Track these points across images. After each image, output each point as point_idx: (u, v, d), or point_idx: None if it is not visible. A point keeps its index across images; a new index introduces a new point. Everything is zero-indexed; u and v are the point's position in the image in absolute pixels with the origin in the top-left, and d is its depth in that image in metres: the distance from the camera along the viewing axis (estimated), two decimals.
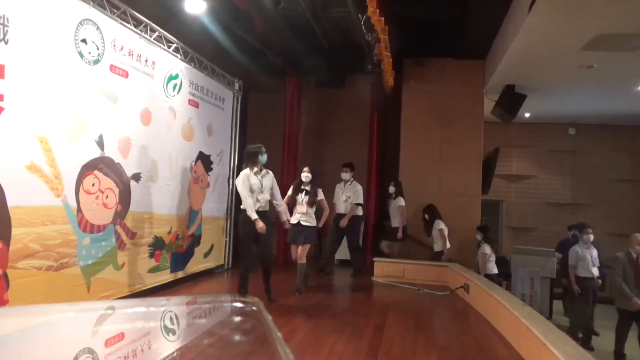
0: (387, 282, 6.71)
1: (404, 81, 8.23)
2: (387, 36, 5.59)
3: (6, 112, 3.20)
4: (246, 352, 1.47)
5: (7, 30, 3.18)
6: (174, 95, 5.53)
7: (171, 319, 1.59)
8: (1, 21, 3.13)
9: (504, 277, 8.17)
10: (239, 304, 1.63)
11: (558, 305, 7.57)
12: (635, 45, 5.43)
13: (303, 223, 5.52)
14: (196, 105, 6.04)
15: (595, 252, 6.48)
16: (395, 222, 7.24)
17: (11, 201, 3.26)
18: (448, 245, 7.09)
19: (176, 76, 5.54)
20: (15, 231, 3.30)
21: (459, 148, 8.10)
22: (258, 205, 4.91)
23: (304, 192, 5.59)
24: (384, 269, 6.95)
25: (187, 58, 5.78)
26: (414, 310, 5.30)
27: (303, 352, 3.58)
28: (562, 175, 10.74)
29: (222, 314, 1.70)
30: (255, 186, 4.91)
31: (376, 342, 3.96)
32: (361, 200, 6.95)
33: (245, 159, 5.10)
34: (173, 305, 1.76)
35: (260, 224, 4.81)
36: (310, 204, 5.56)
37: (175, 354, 1.71)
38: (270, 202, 5.16)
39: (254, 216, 4.83)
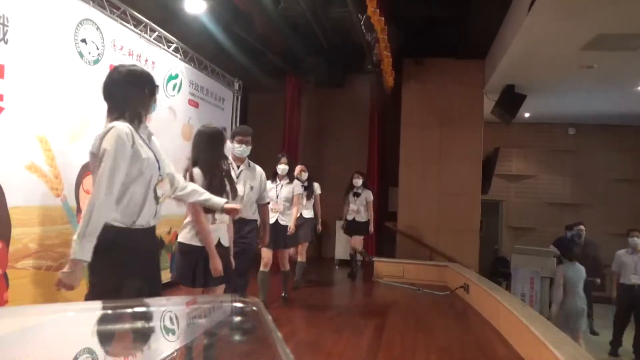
0: (387, 282, 6.71)
1: (404, 81, 8.23)
2: (387, 36, 5.59)
3: (6, 112, 3.19)
4: (246, 352, 1.47)
5: (7, 30, 3.17)
6: (174, 95, 5.52)
7: (171, 319, 1.59)
8: (1, 21, 3.13)
9: (503, 277, 8.18)
10: (239, 304, 1.63)
11: None
12: (635, 45, 5.43)
13: (224, 243, 2.94)
14: (196, 105, 6.04)
15: None
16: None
17: (11, 201, 3.25)
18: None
19: (176, 76, 5.54)
20: (15, 231, 3.30)
21: (458, 148, 8.10)
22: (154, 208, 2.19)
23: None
24: (384, 269, 6.96)
25: (187, 58, 5.78)
26: (414, 310, 5.30)
27: (303, 352, 3.58)
28: (562, 175, 10.73)
29: (222, 314, 1.70)
30: (149, 161, 2.13)
31: (376, 342, 3.96)
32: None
33: (121, 100, 2.14)
34: (173, 305, 1.76)
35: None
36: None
37: (175, 354, 1.70)
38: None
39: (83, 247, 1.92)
